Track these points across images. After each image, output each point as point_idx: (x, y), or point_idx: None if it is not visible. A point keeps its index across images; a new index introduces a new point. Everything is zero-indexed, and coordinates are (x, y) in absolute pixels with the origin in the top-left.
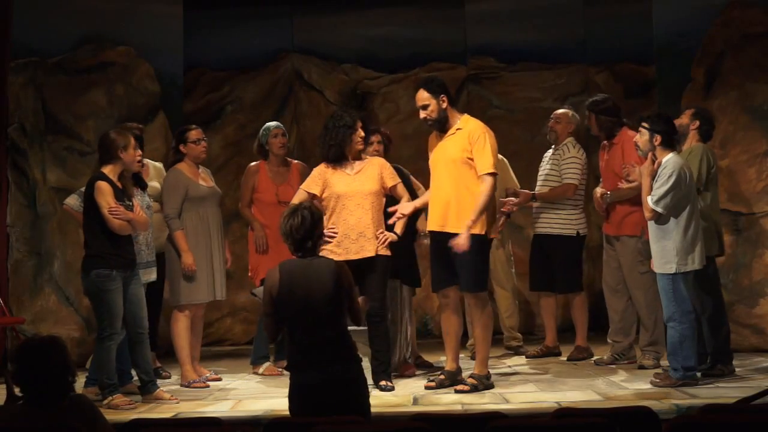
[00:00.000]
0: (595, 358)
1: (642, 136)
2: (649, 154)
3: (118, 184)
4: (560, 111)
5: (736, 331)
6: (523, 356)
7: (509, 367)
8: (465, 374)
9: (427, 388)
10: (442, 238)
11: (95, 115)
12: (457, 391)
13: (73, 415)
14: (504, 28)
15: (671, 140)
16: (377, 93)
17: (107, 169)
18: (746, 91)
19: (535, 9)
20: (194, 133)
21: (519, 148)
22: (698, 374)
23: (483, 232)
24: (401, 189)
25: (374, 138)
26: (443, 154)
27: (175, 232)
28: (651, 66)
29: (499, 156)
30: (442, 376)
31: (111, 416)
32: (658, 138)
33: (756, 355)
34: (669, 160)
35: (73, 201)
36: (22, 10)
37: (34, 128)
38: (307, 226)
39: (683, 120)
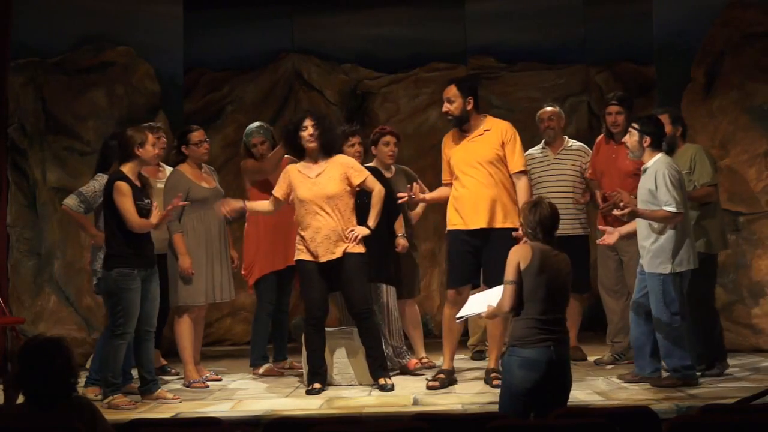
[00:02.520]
0: (595, 358)
1: (632, 137)
2: (617, 232)
3: (137, 183)
4: (549, 109)
5: (736, 331)
6: None
7: None
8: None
9: (429, 388)
10: (478, 236)
11: (95, 115)
12: (494, 386)
13: (74, 416)
14: (504, 28)
15: (660, 142)
16: (377, 93)
17: (126, 168)
18: (746, 91)
19: (535, 9)
20: (196, 135)
21: None
22: (698, 373)
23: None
24: (371, 181)
25: (354, 140)
26: (473, 155)
27: (173, 235)
28: (651, 66)
29: None
30: (442, 376)
31: (111, 416)
32: (647, 139)
33: (756, 355)
34: (658, 161)
35: (72, 201)
36: (22, 10)
37: (34, 128)
38: (557, 217)
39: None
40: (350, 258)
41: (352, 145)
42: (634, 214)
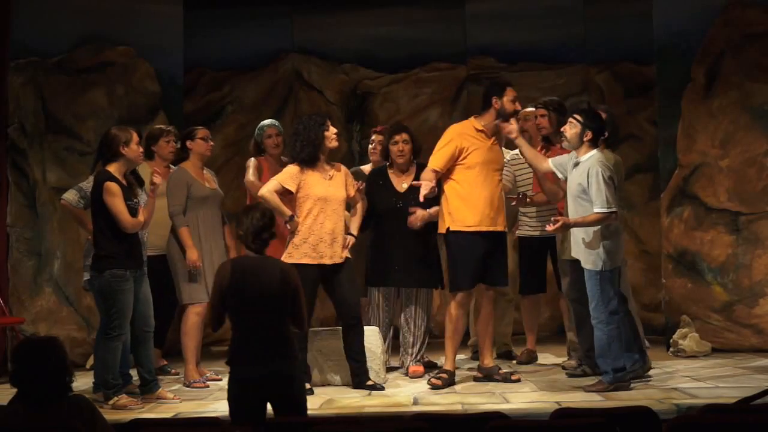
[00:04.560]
0: None
1: (572, 128)
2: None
3: (124, 182)
4: (528, 109)
5: (737, 331)
6: (514, 362)
7: (508, 367)
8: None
9: (431, 386)
10: (489, 237)
11: (95, 115)
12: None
13: (73, 416)
14: (504, 28)
15: (598, 139)
16: (377, 93)
17: (112, 168)
18: (746, 91)
19: (535, 9)
20: (202, 131)
21: None
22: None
23: None
24: (358, 195)
25: (399, 137)
26: (497, 159)
27: (179, 229)
28: (651, 66)
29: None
30: (444, 375)
31: (111, 416)
32: (589, 134)
33: (756, 355)
34: (592, 157)
35: (71, 196)
36: (22, 10)
37: (34, 128)
38: (268, 223)
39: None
40: (348, 263)
41: (396, 143)
42: (567, 227)
